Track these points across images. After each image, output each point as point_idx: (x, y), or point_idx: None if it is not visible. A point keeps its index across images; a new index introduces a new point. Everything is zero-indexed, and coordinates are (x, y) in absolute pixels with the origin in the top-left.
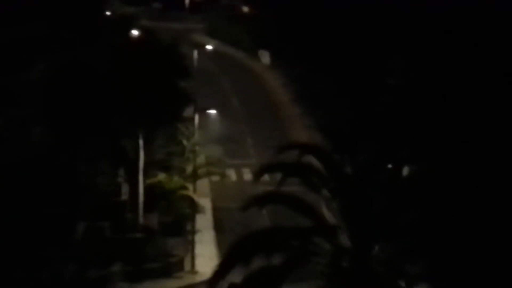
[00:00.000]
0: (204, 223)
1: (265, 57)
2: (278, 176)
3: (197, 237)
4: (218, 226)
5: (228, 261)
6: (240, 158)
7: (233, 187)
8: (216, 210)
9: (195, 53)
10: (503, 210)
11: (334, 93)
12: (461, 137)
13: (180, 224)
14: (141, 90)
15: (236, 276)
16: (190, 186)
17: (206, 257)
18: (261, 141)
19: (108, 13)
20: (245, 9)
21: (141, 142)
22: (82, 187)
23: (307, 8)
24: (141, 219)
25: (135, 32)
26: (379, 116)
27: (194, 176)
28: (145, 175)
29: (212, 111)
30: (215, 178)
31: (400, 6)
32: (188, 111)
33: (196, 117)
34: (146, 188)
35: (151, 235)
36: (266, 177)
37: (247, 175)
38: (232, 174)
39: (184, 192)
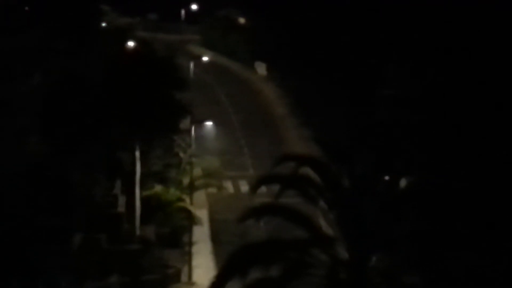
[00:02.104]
0: (201, 234)
1: (261, 69)
2: (275, 187)
3: (194, 249)
4: (215, 238)
5: (225, 273)
6: (237, 169)
7: (230, 199)
8: (213, 222)
9: (191, 65)
10: (501, 219)
11: (330, 104)
12: (458, 147)
13: (177, 236)
14: (137, 101)
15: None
16: (187, 198)
17: (203, 269)
18: (258, 152)
19: (104, 24)
20: (241, 20)
21: (137, 153)
22: (78, 198)
23: (303, 19)
24: (138, 231)
25: (131, 43)
26: (376, 127)
27: (191, 188)
28: (142, 187)
29: (209, 123)
30: (212, 190)
31: (396, 17)
32: (184, 123)
33: (193, 129)
34: (143, 200)
35: (148, 246)
36: (263, 188)
37: (244, 187)
38: (229, 186)
39: (181, 204)
